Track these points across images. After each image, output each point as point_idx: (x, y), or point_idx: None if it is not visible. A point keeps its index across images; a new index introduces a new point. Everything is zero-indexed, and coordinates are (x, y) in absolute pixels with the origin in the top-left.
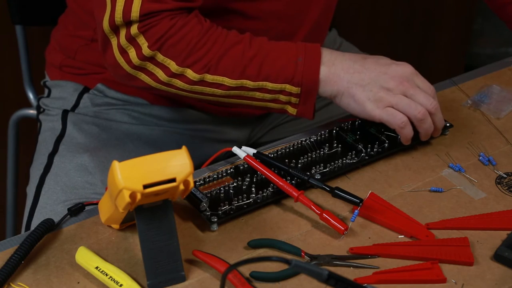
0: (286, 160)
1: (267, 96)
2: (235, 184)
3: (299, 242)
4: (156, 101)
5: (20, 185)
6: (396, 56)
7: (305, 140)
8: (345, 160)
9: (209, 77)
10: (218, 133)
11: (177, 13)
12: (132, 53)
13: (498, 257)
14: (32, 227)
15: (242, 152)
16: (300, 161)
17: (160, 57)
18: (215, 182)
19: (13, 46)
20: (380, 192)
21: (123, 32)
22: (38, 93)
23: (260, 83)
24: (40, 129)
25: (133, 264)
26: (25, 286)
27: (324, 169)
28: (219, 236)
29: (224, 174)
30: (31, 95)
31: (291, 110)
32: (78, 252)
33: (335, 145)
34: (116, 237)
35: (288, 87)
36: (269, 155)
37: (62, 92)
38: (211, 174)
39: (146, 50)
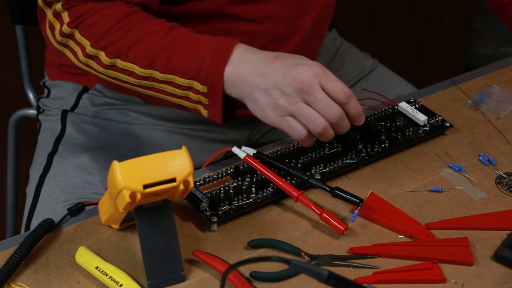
0: (286, 160)
1: (178, 91)
2: (235, 184)
3: (299, 242)
4: (155, 101)
5: (20, 185)
6: (396, 56)
7: None
8: (345, 160)
9: (120, 63)
10: (218, 134)
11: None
12: (57, 28)
13: (498, 257)
14: (32, 227)
15: (242, 152)
16: (300, 161)
17: (78, 35)
18: (215, 182)
19: (13, 46)
20: (380, 192)
21: (52, 8)
22: (38, 93)
23: (169, 76)
24: (39, 129)
25: (133, 264)
26: (25, 286)
27: (324, 169)
28: (219, 236)
29: (224, 174)
30: (31, 95)
31: (203, 111)
32: (78, 252)
33: (335, 145)
34: (116, 237)
35: (195, 84)
36: (269, 155)
37: (62, 92)
38: (211, 174)
39: (65, 27)
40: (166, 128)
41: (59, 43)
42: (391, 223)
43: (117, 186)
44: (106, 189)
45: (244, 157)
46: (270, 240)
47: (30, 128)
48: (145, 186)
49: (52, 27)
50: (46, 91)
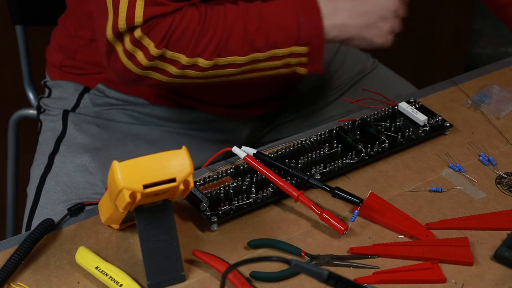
0: (286, 160)
1: (278, 63)
2: (235, 184)
3: (299, 242)
4: (157, 101)
5: (20, 185)
6: (396, 56)
7: (305, 140)
8: (345, 160)
9: (221, 60)
10: (218, 134)
11: (176, 12)
12: (139, 55)
13: (498, 257)
14: (33, 227)
15: (242, 152)
16: (300, 161)
17: (168, 53)
18: (215, 182)
19: (13, 46)
20: (380, 192)
21: (127, 38)
22: (39, 93)
23: (270, 52)
24: (40, 129)
25: (133, 264)
26: (25, 286)
27: (324, 169)
28: (219, 236)
29: (224, 174)
30: (31, 95)
31: (302, 70)
32: (78, 252)
33: (335, 145)
34: (116, 237)
35: (296, 49)
36: (269, 155)
37: (63, 92)
38: (211, 174)
39: (153, 50)
40: (167, 128)
41: (145, 68)
42: (391, 223)
43: (117, 186)
44: (106, 189)
45: (244, 157)
46: (270, 240)
47: (30, 128)
48: (145, 186)
49: (131, 57)
50: (47, 91)
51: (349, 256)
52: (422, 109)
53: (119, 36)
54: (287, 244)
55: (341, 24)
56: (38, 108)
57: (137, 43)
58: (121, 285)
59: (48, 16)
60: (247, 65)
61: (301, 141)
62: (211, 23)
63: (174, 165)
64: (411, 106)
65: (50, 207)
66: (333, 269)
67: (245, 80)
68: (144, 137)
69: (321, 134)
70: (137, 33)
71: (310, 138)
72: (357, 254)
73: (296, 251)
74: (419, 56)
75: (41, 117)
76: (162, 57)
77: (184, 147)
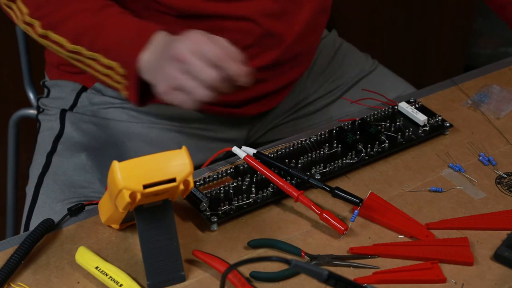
0: (286, 160)
1: (102, 69)
2: (235, 184)
3: (299, 242)
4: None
5: (20, 185)
6: (396, 56)
7: (305, 140)
8: (345, 160)
9: (51, 35)
10: (217, 132)
11: None
12: None
13: (498, 257)
14: (31, 227)
15: (242, 152)
16: (300, 161)
17: (19, 1)
18: (215, 182)
19: (13, 46)
20: (380, 192)
21: None
22: (39, 93)
23: (94, 54)
24: (39, 129)
25: (133, 264)
26: (25, 286)
27: (324, 169)
28: (219, 236)
29: (224, 174)
30: (31, 95)
31: (123, 92)
32: (78, 252)
33: (335, 145)
34: (116, 237)
35: (116, 66)
36: (269, 155)
37: (61, 92)
38: (211, 174)
39: None
40: (165, 126)
41: (4, 3)
42: (391, 223)
43: (117, 186)
44: (106, 188)
45: (244, 157)
46: (270, 240)
47: (30, 128)
48: (145, 186)
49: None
50: (46, 91)
51: (349, 256)
52: (422, 109)
53: None
54: (287, 244)
55: (149, 62)
56: (38, 108)
57: None
58: (121, 285)
59: None
60: (73, 53)
61: (301, 141)
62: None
63: (174, 165)
64: (411, 106)
65: (49, 206)
66: (333, 269)
67: (79, 68)
68: (142, 136)
69: (321, 134)
70: None
71: (310, 138)
72: (357, 254)
73: (296, 251)
74: (419, 56)
75: (40, 117)
76: (14, 1)
77: (184, 147)
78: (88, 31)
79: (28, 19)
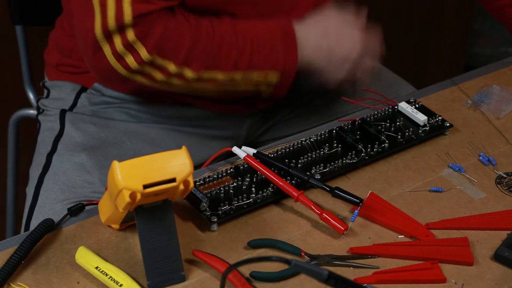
0: (286, 160)
1: (250, 87)
2: (235, 184)
3: (299, 242)
4: (153, 99)
5: (20, 185)
6: (396, 56)
7: (305, 140)
8: (345, 160)
9: (205, 75)
10: (216, 130)
11: (165, 13)
12: (129, 59)
13: (498, 257)
14: (32, 227)
15: (242, 152)
16: (300, 161)
17: (158, 60)
18: (215, 182)
19: (13, 46)
20: (380, 192)
21: (117, 39)
22: (39, 94)
23: (247, 72)
24: (39, 130)
25: (133, 264)
26: (25, 286)
27: (324, 169)
28: (219, 236)
29: (224, 174)
30: (31, 95)
31: (265, 93)
32: (78, 252)
33: (335, 145)
34: (116, 237)
35: (270, 74)
36: (269, 155)
37: (60, 93)
38: (211, 174)
39: (145, 55)
40: (164, 125)
41: (132, 71)
42: (391, 223)
43: (117, 186)
44: (106, 189)
45: (244, 157)
46: (270, 240)
47: (30, 128)
48: (145, 186)
49: (120, 58)
50: (45, 91)
51: (349, 256)
52: (422, 109)
53: (108, 36)
54: (287, 244)
55: (308, 58)
56: (38, 109)
57: (129, 47)
58: (121, 285)
59: (48, 16)
60: (225, 84)
61: (301, 141)
62: (202, 36)
63: (174, 165)
64: (411, 106)
65: (49, 206)
66: (333, 269)
67: (214, 96)
68: (142, 135)
69: (321, 134)
70: (130, 36)
71: (310, 138)
72: (357, 254)
73: (296, 251)
74: (419, 56)
75: (40, 117)
76: (152, 63)
77: (184, 147)
78: (241, 54)
79: (174, 70)
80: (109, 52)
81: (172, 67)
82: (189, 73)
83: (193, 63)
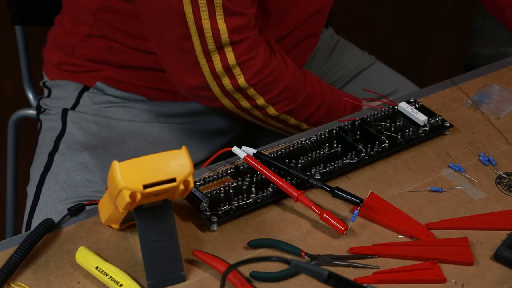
0: (286, 160)
1: (299, 132)
2: (235, 184)
3: (299, 242)
4: (155, 96)
5: (19, 185)
6: (396, 56)
7: (305, 140)
8: (345, 160)
9: (283, 116)
10: (217, 123)
11: (262, 42)
12: (225, 81)
13: (498, 257)
14: (33, 226)
15: (242, 152)
16: (300, 161)
17: (252, 91)
18: (215, 182)
19: (13, 46)
20: (380, 192)
21: (217, 60)
22: (38, 93)
23: (310, 127)
24: (40, 129)
25: (133, 264)
26: (25, 286)
27: (324, 169)
28: (219, 236)
29: (224, 174)
30: (31, 95)
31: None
32: (78, 252)
33: (335, 145)
34: (116, 237)
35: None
36: (269, 155)
37: (62, 92)
38: (211, 174)
39: (242, 83)
40: (166, 124)
41: (226, 92)
42: (391, 223)
43: (117, 186)
44: (106, 189)
45: (244, 157)
46: (270, 240)
47: (30, 128)
48: (145, 186)
49: (217, 78)
50: (46, 91)
51: (349, 256)
52: (422, 109)
53: (207, 56)
54: (287, 244)
55: None
56: (38, 108)
57: (228, 70)
58: (121, 285)
59: (48, 16)
60: (291, 128)
61: (301, 141)
62: (296, 81)
63: (174, 165)
64: (411, 106)
65: (50, 205)
66: (333, 269)
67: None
68: (144, 134)
69: (321, 134)
70: (231, 59)
71: (310, 138)
72: (357, 254)
73: (296, 251)
74: (419, 56)
75: (41, 116)
76: (244, 91)
77: (184, 147)
78: (316, 112)
79: (262, 103)
80: (207, 71)
81: (261, 101)
82: (271, 111)
83: (279, 103)
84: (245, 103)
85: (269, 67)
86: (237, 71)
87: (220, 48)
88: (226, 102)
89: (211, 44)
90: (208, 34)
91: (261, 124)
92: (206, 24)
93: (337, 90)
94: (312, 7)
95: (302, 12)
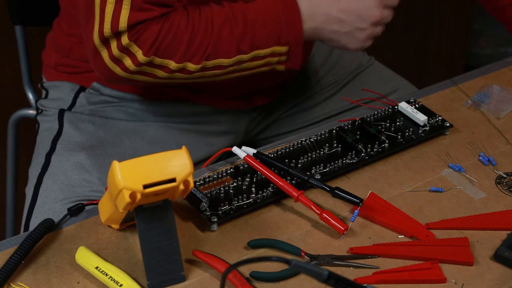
0: (286, 160)
1: (260, 62)
2: (235, 184)
3: (299, 242)
4: (151, 96)
5: (19, 185)
6: (396, 56)
7: (305, 140)
8: (345, 160)
9: (208, 63)
10: (215, 125)
11: (160, 16)
12: (127, 61)
13: (498, 257)
14: (31, 227)
15: (242, 152)
16: (300, 161)
17: (157, 60)
18: (215, 182)
19: (13, 46)
20: (380, 192)
21: (113, 44)
22: (38, 94)
23: (253, 52)
24: (38, 130)
25: (133, 264)
26: (25, 286)
27: (324, 169)
28: (219, 236)
29: (224, 174)
30: (30, 96)
31: (280, 67)
32: (78, 252)
33: (335, 145)
34: (116, 237)
35: (276, 49)
36: (269, 155)
37: (59, 93)
38: (211, 174)
39: (141, 57)
40: (163, 123)
41: (131, 72)
42: (391, 223)
43: (117, 186)
44: (106, 189)
45: (244, 157)
46: (270, 240)
47: (30, 128)
48: (145, 186)
49: (118, 61)
50: (44, 92)
51: (349, 256)
52: (422, 109)
53: (104, 41)
54: (287, 244)
55: (316, 27)
56: (36, 110)
57: (124, 50)
58: (121, 285)
59: (48, 16)
60: (232, 66)
61: (301, 141)
62: (200, 29)
63: (174, 165)
64: (411, 106)
65: (48, 206)
66: (333, 269)
67: (228, 79)
68: (140, 134)
69: (321, 134)
70: (124, 40)
71: (310, 138)
72: (357, 254)
73: (296, 251)
74: (419, 56)
75: (39, 118)
76: (150, 63)
77: (184, 147)
78: (242, 38)
79: (176, 66)
80: (106, 57)
81: (172, 64)
82: (191, 67)
83: (193, 57)
84: (160, 73)
85: (162, 31)
86: (133, 48)
87: (116, 34)
88: (141, 78)
89: (107, 31)
90: (108, 19)
91: (201, 81)
92: (109, 8)
93: (259, 0)
94: None
95: None
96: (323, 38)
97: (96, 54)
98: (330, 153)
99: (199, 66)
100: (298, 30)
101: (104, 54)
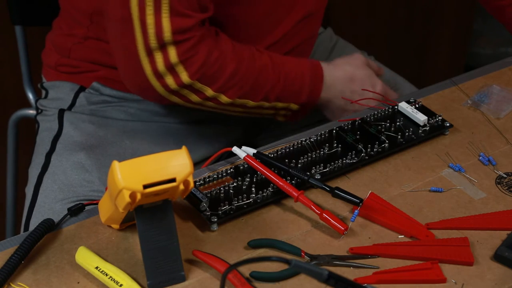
0: (286, 160)
1: (271, 112)
2: (235, 184)
3: (299, 242)
4: None
5: (19, 185)
6: (396, 56)
7: (305, 140)
8: (345, 160)
9: (238, 101)
10: (215, 125)
11: (208, 36)
12: (169, 79)
13: (498, 257)
14: (31, 227)
15: (242, 152)
16: (300, 161)
17: (198, 85)
18: (215, 182)
19: (13, 46)
20: (380, 192)
21: (159, 58)
22: (38, 94)
23: (274, 103)
24: (38, 130)
25: (133, 264)
26: (25, 286)
27: (324, 169)
28: (219, 236)
29: (224, 174)
30: (30, 96)
31: (281, 118)
32: (78, 252)
33: (335, 145)
34: (116, 237)
35: (292, 106)
36: (269, 155)
37: (59, 93)
38: (211, 174)
39: (185, 79)
40: (163, 123)
41: (171, 91)
42: (391, 223)
43: (117, 186)
44: (106, 189)
45: (244, 157)
46: (270, 240)
47: (30, 128)
48: (145, 186)
49: (160, 78)
50: (44, 92)
51: (349, 256)
52: (422, 109)
53: (149, 54)
54: (287, 244)
55: (328, 100)
56: (37, 110)
57: (170, 68)
58: (121, 285)
59: (48, 16)
60: (253, 109)
61: (301, 141)
62: (243, 65)
63: (174, 165)
64: (411, 106)
65: (48, 205)
66: (333, 269)
67: (239, 115)
68: (140, 133)
69: (321, 134)
70: (173, 58)
71: (310, 138)
72: (357, 254)
73: (296, 251)
74: (419, 56)
75: (38, 118)
76: (190, 87)
77: (184, 147)
78: (272, 89)
79: (211, 94)
80: (149, 71)
81: (209, 92)
82: (223, 99)
83: (230, 90)
84: (194, 98)
85: (211, 58)
86: (179, 68)
87: (162, 46)
88: (174, 99)
89: (153, 42)
90: (151, 30)
91: (223, 113)
92: (150, 19)
93: (293, 58)
94: (300, 12)
95: (289, 18)
96: (325, 108)
97: (137, 66)
98: (330, 153)
99: (230, 100)
100: (316, 97)
101: (147, 66)
